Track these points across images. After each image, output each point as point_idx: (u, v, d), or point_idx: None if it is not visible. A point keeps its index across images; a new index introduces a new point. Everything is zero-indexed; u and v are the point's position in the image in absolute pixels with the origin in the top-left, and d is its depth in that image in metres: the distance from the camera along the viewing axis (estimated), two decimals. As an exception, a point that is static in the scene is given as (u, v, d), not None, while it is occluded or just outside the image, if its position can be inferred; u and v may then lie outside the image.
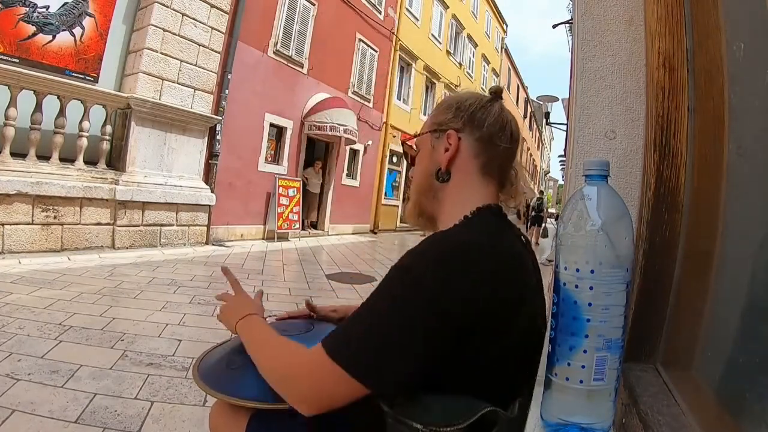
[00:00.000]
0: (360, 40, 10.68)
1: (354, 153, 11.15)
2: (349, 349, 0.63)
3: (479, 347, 0.62)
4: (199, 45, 6.41)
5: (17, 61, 4.77)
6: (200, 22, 6.39)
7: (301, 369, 0.67)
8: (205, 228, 6.71)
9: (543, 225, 14.35)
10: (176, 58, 6.11)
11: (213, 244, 6.80)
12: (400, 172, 13.53)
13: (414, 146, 0.87)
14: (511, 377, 0.67)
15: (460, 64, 16.82)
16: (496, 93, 0.82)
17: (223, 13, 6.72)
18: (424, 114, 14.33)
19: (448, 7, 15.28)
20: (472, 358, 0.62)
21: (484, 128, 0.76)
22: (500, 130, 0.77)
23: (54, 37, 5.12)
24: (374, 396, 0.64)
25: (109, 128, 5.49)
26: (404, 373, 0.61)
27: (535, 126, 34.48)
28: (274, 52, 8.12)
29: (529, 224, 14.66)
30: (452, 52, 16.18)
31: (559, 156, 20.04)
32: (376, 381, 0.61)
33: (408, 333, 0.60)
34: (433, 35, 14.56)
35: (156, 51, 5.82)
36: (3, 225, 4.39)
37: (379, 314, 0.64)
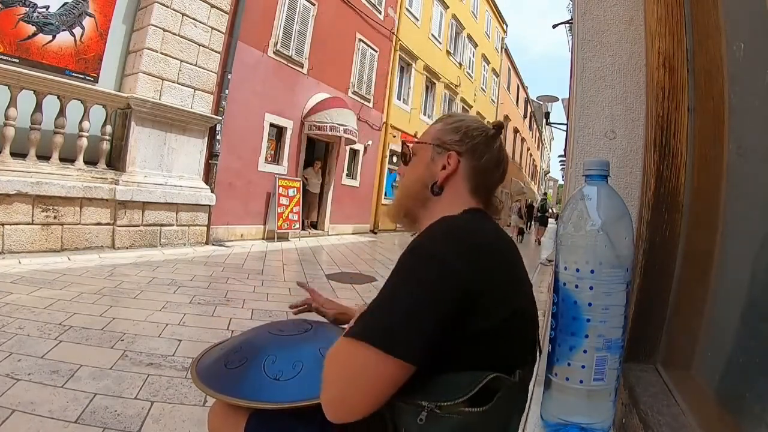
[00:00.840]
0: (360, 40, 10.68)
1: (354, 153, 11.14)
2: (376, 325, 0.63)
3: (484, 313, 0.64)
4: (199, 45, 6.41)
5: (17, 61, 4.77)
6: (200, 22, 6.38)
7: (331, 370, 0.65)
8: (205, 228, 6.71)
9: (547, 225, 14.72)
10: (176, 58, 6.10)
11: (213, 244, 6.80)
12: (400, 172, 13.51)
13: (412, 149, 0.91)
14: (512, 347, 0.69)
15: (460, 64, 16.81)
16: (499, 128, 0.88)
17: (223, 13, 6.72)
18: (424, 114, 14.33)
19: (448, 7, 15.27)
20: (477, 326, 0.64)
21: (482, 161, 0.84)
22: (495, 166, 0.85)
23: (54, 37, 5.12)
24: None
25: (109, 128, 5.48)
26: (431, 335, 0.62)
27: (535, 126, 34.45)
28: (274, 52, 8.12)
29: (532, 223, 14.94)
30: (452, 52, 16.17)
31: (559, 156, 20.05)
32: (406, 348, 0.61)
33: (428, 297, 0.62)
34: (433, 35, 14.55)
35: (156, 51, 5.82)
36: (3, 225, 4.39)
37: (397, 289, 0.66)
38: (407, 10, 12.74)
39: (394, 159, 13.02)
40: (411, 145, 0.92)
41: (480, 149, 0.84)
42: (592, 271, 0.66)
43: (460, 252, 0.65)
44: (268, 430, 0.81)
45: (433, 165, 0.84)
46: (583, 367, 0.66)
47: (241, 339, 0.99)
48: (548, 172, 51.07)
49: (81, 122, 5.16)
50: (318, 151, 10.28)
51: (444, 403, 0.63)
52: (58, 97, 4.94)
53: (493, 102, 21.77)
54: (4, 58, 4.66)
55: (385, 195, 12.72)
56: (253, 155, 7.99)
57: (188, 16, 6.20)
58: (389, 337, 0.61)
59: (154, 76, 5.83)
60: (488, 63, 20.35)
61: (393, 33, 12.08)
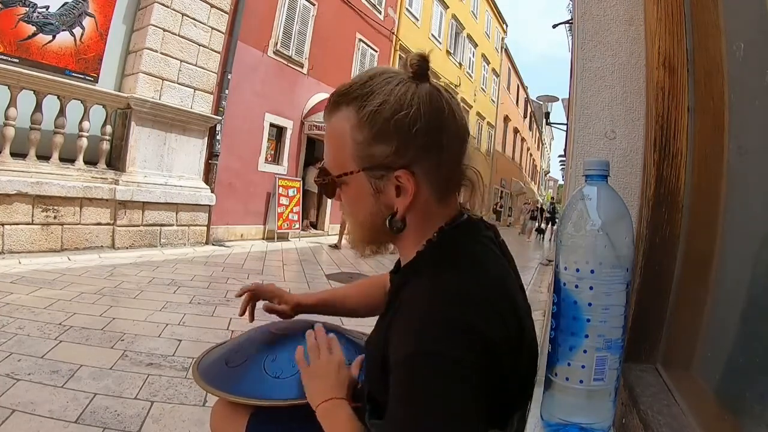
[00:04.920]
0: (360, 40, 10.68)
1: (354, 153, 11.15)
2: None
3: (497, 383, 0.58)
4: (199, 45, 6.41)
5: (17, 61, 4.77)
6: (200, 22, 6.39)
7: None
8: (205, 228, 6.71)
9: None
10: (176, 58, 6.11)
11: (213, 244, 6.80)
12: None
13: (337, 183, 0.66)
14: (514, 397, 0.64)
15: (460, 64, 16.82)
16: (420, 70, 0.61)
17: (223, 13, 6.72)
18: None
19: (448, 7, 15.28)
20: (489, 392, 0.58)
21: (443, 152, 0.61)
22: (461, 143, 0.63)
23: (54, 37, 5.12)
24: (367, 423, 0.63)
25: (109, 128, 5.49)
26: None
27: (535, 126, 34.48)
28: (274, 52, 8.12)
29: (545, 223, 18.03)
30: (452, 52, 16.18)
31: (559, 156, 20.10)
32: None
33: (462, 410, 0.51)
34: (433, 35, 14.56)
35: (156, 51, 5.83)
36: (3, 225, 4.39)
37: (419, 421, 0.52)
38: (407, 10, 12.75)
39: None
40: (331, 176, 0.66)
41: (432, 136, 0.59)
42: (592, 271, 0.66)
43: (470, 340, 0.53)
44: (269, 429, 0.81)
45: (382, 196, 0.62)
46: (583, 367, 0.66)
47: (243, 338, 1.00)
48: (548, 172, 51.14)
49: (81, 122, 5.17)
50: (318, 151, 10.26)
51: None
52: (58, 97, 4.95)
53: (493, 102, 21.78)
54: (4, 58, 4.66)
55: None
56: (253, 155, 7.99)
57: (188, 16, 6.20)
58: None
59: (154, 76, 5.84)
60: (488, 63, 20.36)
61: (393, 33, 12.08)
